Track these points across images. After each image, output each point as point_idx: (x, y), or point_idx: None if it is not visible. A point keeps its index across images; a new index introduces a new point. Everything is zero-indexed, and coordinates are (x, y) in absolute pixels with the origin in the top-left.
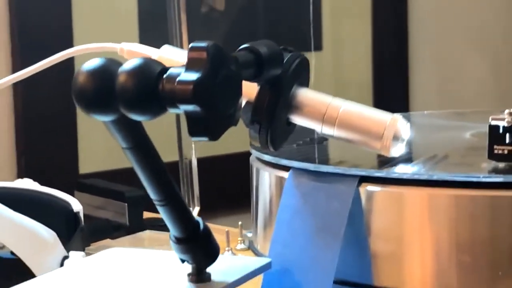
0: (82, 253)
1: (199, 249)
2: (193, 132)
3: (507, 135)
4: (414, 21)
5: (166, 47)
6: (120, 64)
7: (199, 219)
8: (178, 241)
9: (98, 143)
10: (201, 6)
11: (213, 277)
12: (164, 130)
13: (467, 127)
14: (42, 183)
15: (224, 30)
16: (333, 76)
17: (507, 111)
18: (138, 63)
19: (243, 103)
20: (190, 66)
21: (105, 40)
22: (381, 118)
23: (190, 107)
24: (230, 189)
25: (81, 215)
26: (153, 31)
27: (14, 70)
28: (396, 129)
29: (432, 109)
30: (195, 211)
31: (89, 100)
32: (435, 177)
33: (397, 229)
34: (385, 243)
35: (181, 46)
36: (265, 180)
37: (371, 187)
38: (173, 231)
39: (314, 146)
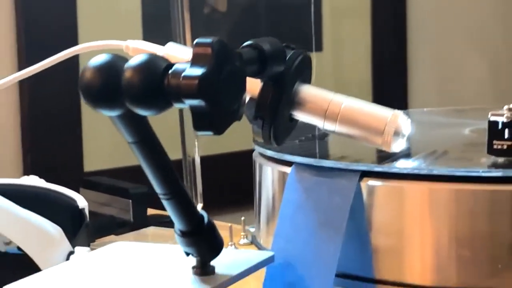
0: (87, 248)
1: (204, 242)
2: (198, 127)
3: (506, 130)
4: (413, 21)
5: (170, 44)
6: (126, 60)
7: (204, 213)
8: (183, 234)
9: (103, 141)
10: (203, 7)
11: (217, 270)
12: (168, 128)
13: (466, 124)
14: (47, 181)
15: (226, 31)
16: (333, 76)
17: (506, 107)
18: (144, 59)
19: (247, 99)
20: (195, 61)
21: (109, 39)
22: (382, 114)
23: (195, 102)
24: (232, 187)
25: (86, 211)
26: (156, 31)
27: (20, 69)
28: (397, 124)
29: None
30: (198, 208)
31: (96, 95)
32: (435, 172)
33: (398, 223)
34: (386, 237)
35: (185, 45)
36: (268, 175)
37: (372, 182)
38: (178, 224)
39: (315, 142)
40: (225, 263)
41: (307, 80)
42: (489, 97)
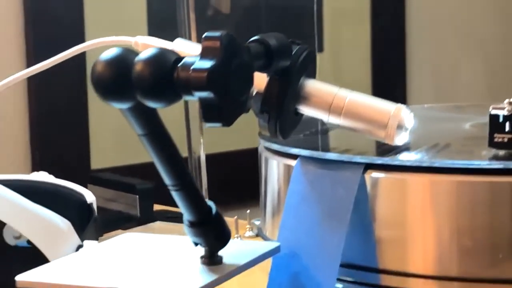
0: (95, 242)
1: (212, 233)
2: (207, 118)
3: (507, 123)
4: (412, 23)
5: (178, 40)
6: (136, 54)
7: (212, 204)
8: (192, 224)
9: (109, 139)
10: (207, 10)
11: (224, 260)
12: (174, 126)
13: (466, 119)
14: (56, 177)
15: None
16: (334, 76)
17: (507, 100)
18: (154, 53)
19: (253, 94)
20: (204, 54)
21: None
22: (385, 108)
23: (204, 94)
24: (237, 184)
25: (95, 206)
26: (162, 32)
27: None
28: (400, 118)
29: None
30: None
31: (107, 88)
32: (437, 164)
33: (400, 214)
34: (389, 228)
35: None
36: (273, 169)
37: (375, 174)
38: (186, 215)
39: (320, 136)
40: (232, 253)
41: (312, 75)
42: (483, 95)
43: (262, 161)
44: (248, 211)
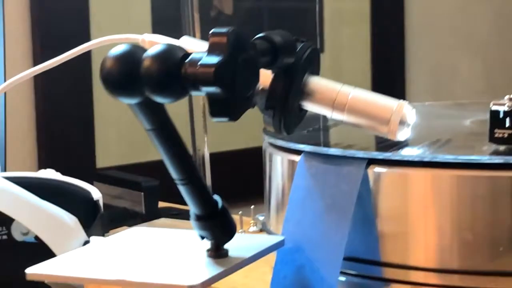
0: (102, 238)
1: (218, 226)
2: (214, 113)
3: (507, 119)
4: (411, 25)
5: (185, 38)
6: (144, 50)
7: (218, 198)
8: (198, 218)
9: (114, 139)
10: (210, 10)
11: (230, 253)
12: (178, 125)
13: (466, 116)
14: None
15: None
16: (333, 77)
17: (507, 96)
18: (162, 49)
19: (259, 90)
20: (211, 50)
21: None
22: (388, 104)
23: (211, 89)
24: (240, 183)
25: (101, 203)
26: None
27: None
28: (402, 114)
29: None
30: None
31: (116, 83)
32: (439, 159)
33: (403, 208)
34: (392, 222)
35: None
36: (277, 164)
37: (378, 169)
38: (193, 209)
39: (323, 132)
40: (238, 246)
41: (316, 71)
42: (481, 94)
43: (266, 157)
44: (252, 206)
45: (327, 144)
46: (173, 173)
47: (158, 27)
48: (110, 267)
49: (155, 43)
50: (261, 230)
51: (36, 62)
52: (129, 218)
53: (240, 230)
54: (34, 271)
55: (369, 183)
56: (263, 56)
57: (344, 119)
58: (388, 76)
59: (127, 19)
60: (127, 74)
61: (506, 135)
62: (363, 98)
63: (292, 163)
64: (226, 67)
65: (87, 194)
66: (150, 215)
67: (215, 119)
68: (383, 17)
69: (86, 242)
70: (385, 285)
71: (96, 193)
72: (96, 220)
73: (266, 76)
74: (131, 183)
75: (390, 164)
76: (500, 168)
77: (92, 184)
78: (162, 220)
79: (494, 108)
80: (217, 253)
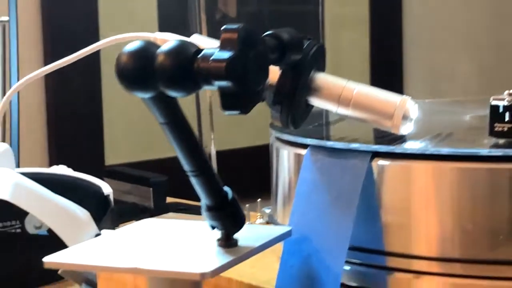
0: (112, 231)
1: (228, 216)
2: (226, 106)
3: (507, 113)
4: (408, 28)
5: (195, 36)
6: (158, 46)
7: (228, 189)
8: (209, 209)
9: (122, 137)
10: (216, 13)
11: (240, 243)
12: None
13: (465, 112)
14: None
15: None
16: None
17: (506, 91)
18: (175, 45)
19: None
20: (223, 46)
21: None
22: (391, 99)
23: (223, 83)
24: (245, 179)
25: (111, 197)
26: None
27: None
28: (405, 109)
29: None
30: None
31: (131, 78)
32: (440, 152)
33: (406, 200)
34: (395, 212)
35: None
36: (284, 158)
37: (382, 162)
38: (204, 199)
39: (327, 127)
40: (247, 236)
41: (322, 68)
42: (476, 93)
43: (273, 151)
44: (259, 200)
45: (332, 138)
46: (185, 165)
47: (164, 29)
48: (123, 256)
49: (167, 41)
50: (267, 223)
51: (47, 63)
52: (138, 213)
53: (248, 223)
54: (50, 259)
55: (373, 176)
56: (271, 52)
57: (349, 114)
58: (386, 77)
59: (134, 21)
60: (142, 69)
61: (505, 129)
62: (368, 94)
63: (298, 157)
64: (237, 62)
65: (98, 189)
66: (158, 209)
67: (227, 112)
68: (382, 20)
69: (97, 235)
70: (389, 274)
71: (106, 188)
72: (107, 214)
73: (274, 72)
74: (140, 179)
75: (394, 157)
76: (500, 161)
77: (102, 180)
78: (170, 215)
79: (494, 103)
80: (227, 242)
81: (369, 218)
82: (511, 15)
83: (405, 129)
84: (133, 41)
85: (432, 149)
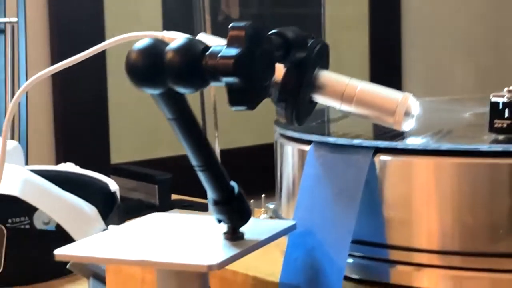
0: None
1: (234, 210)
2: (233, 102)
3: (506, 110)
4: (407, 30)
5: (202, 35)
6: (166, 43)
7: (234, 184)
8: (216, 203)
9: (128, 137)
10: (218, 15)
11: (246, 236)
12: None
13: (465, 110)
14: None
15: None
16: None
17: (506, 88)
18: (184, 42)
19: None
20: (230, 43)
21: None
22: (393, 96)
23: (231, 79)
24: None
25: (118, 194)
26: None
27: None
28: (407, 105)
29: None
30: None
31: (140, 75)
32: (441, 147)
33: (407, 194)
34: (397, 206)
35: None
36: (288, 154)
37: (384, 157)
38: (211, 194)
39: (330, 124)
40: (252, 230)
41: (326, 66)
42: (473, 92)
43: (277, 147)
44: (263, 195)
45: (335, 135)
46: (193, 160)
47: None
48: (131, 249)
49: (174, 39)
50: (271, 218)
51: (54, 63)
52: (144, 209)
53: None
54: (61, 252)
55: (375, 171)
56: (276, 50)
57: (352, 110)
58: (386, 77)
59: (140, 23)
60: (151, 66)
61: (505, 125)
62: (370, 91)
63: (302, 153)
64: (244, 58)
65: (105, 186)
66: (163, 206)
67: (234, 108)
68: (381, 21)
69: (105, 230)
70: (391, 267)
71: (113, 185)
72: (114, 210)
73: (279, 70)
74: (146, 176)
75: (395, 152)
76: (499, 156)
77: (108, 177)
78: (175, 211)
79: (494, 99)
80: (234, 236)
81: (371, 212)
82: (508, 17)
83: (407, 125)
84: (141, 40)
85: (433, 145)
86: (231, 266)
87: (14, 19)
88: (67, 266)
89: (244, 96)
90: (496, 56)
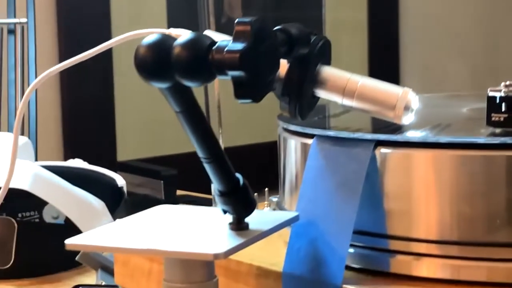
0: None
1: (239, 201)
2: (238, 95)
3: (503, 104)
4: (405, 33)
5: (208, 32)
6: (174, 39)
7: (240, 175)
8: (221, 194)
9: (134, 135)
10: (222, 17)
11: (250, 226)
12: None
13: (462, 105)
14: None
15: None
16: None
17: (503, 83)
18: (191, 37)
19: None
20: (236, 38)
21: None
22: (393, 91)
23: (236, 73)
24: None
25: (125, 189)
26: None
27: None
28: (407, 100)
29: None
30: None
31: (149, 69)
32: (440, 140)
33: (407, 186)
34: (397, 198)
35: None
36: (291, 147)
37: (385, 150)
38: (217, 185)
39: (332, 119)
40: (257, 220)
41: (328, 61)
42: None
43: (281, 141)
44: (266, 189)
45: (337, 128)
46: (199, 152)
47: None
48: (139, 238)
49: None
50: (274, 210)
51: (61, 57)
52: (150, 204)
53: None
54: (73, 242)
55: (376, 163)
56: (281, 46)
57: (354, 105)
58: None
59: (145, 24)
60: (159, 60)
61: (502, 119)
62: (371, 86)
63: (305, 146)
64: (250, 53)
65: (113, 181)
66: (169, 201)
67: (240, 101)
68: (379, 24)
69: None
70: (391, 256)
71: (120, 180)
72: (121, 205)
73: (282, 66)
74: (152, 172)
75: (396, 145)
76: (496, 148)
77: (116, 173)
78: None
79: (491, 94)
80: (239, 226)
81: (372, 203)
82: (503, 17)
83: (407, 119)
84: (149, 35)
85: (432, 138)
86: (236, 256)
87: (24, 20)
88: (76, 258)
89: (249, 89)
90: (491, 55)
